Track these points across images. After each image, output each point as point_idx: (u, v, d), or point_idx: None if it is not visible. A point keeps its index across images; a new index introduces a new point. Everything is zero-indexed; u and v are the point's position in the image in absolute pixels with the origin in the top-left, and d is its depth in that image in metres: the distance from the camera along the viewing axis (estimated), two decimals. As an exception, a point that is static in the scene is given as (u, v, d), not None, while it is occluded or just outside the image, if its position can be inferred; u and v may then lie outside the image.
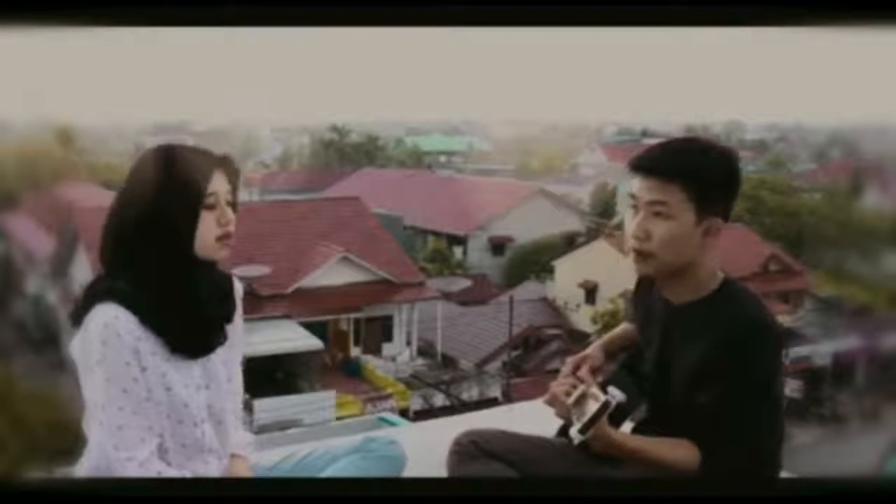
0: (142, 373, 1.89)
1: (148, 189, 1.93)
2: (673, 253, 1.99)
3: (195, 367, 1.99)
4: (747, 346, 1.94)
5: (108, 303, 1.88)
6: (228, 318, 2.09)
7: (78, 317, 1.91)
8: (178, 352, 1.94)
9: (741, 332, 1.95)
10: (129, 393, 1.87)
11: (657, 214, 1.97)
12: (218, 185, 1.98)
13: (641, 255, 2.02)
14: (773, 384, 2.00)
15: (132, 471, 1.86)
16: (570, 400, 1.97)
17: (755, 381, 1.95)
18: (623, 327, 2.39)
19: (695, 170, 1.96)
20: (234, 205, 2.02)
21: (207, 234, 1.96)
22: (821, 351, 25.03)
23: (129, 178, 1.98)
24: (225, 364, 2.08)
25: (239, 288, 2.15)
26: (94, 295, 1.91)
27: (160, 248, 1.93)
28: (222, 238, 1.99)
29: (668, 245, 1.98)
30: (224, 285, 2.09)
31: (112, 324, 1.86)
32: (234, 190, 2.02)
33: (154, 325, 1.90)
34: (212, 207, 1.96)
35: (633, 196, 2.01)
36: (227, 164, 2.01)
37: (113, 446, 1.86)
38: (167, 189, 1.92)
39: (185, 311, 1.95)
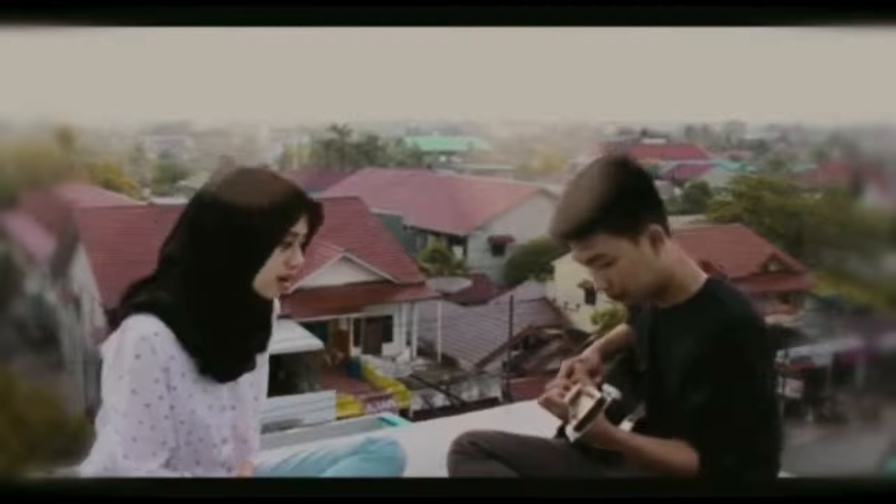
0: (168, 391, 1.88)
1: (235, 206, 1.90)
2: (640, 281, 2.00)
3: (222, 389, 1.99)
4: (733, 344, 1.94)
5: (149, 315, 1.87)
6: (263, 349, 2.07)
7: (117, 319, 1.90)
8: (206, 374, 1.94)
9: (726, 329, 1.94)
10: (151, 408, 1.86)
11: (603, 265, 1.99)
12: (301, 227, 1.96)
13: (618, 298, 2.06)
14: (763, 381, 1.99)
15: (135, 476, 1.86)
16: (566, 399, 1.97)
17: (744, 378, 1.94)
18: (620, 328, 2.39)
19: (602, 211, 1.94)
20: (303, 250, 2.00)
21: (272, 272, 1.94)
22: (821, 351, 25.04)
23: (220, 187, 1.94)
24: (252, 385, 2.07)
25: (277, 307, 2.12)
26: (137, 303, 1.90)
27: (223, 266, 1.91)
28: (283, 279, 1.97)
29: (630, 280, 1.99)
30: (266, 314, 2.06)
31: (149, 339, 1.85)
32: (310, 237, 2.00)
33: (188, 345, 1.89)
34: (288, 246, 1.94)
35: (576, 260, 2.04)
36: (315, 212, 1.99)
37: (123, 455, 1.86)
38: (258, 212, 1.89)
39: (223, 338, 1.94)
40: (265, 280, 1.95)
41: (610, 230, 1.95)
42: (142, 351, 1.84)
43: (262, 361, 2.10)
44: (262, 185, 1.94)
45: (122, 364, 1.86)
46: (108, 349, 1.90)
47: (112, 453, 1.87)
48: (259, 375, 2.10)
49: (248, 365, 2.03)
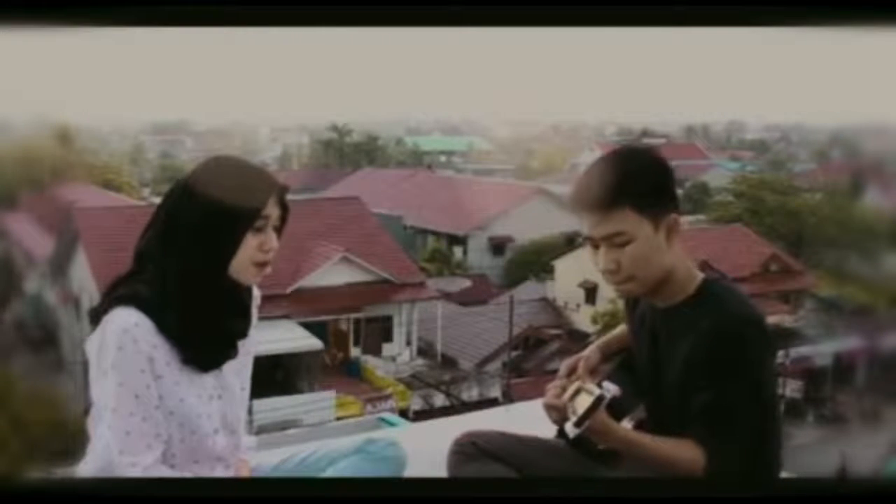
0: (155, 381, 1.88)
1: (204, 194, 1.91)
2: (648, 269, 1.98)
3: (207, 378, 1.98)
4: (732, 343, 1.93)
5: (128, 307, 1.87)
6: (243, 335, 2.06)
7: (97, 316, 1.90)
8: (189, 364, 1.94)
9: (726, 327, 1.94)
10: (140, 399, 1.86)
11: (618, 245, 1.96)
12: (272, 209, 1.96)
13: (620, 284, 2.02)
14: (763, 380, 1.98)
15: (135, 476, 1.86)
16: (565, 396, 1.96)
17: (743, 378, 1.93)
18: (621, 329, 2.39)
19: (633, 185, 1.94)
20: (279, 234, 2.00)
21: (247, 257, 1.94)
22: (821, 351, 25.03)
23: (187, 180, 1.95)
24: (238, 374, 2.07)
25: (257, 297, 2.12)
26: (116, 297, 1.90)
27: (196, 255, 1.91)
28: (260, 264, 1.96)
29: (640, 265, 1.97)
30: (245, 301, 2.06)
31: (130, 330, 1.85)
32: (283, 220, 2.01)
33: (170, 335, 1.89)
34: (259, 231, 1.94)
35: (588, 237, 2.00)
36: (282, 194, 1.99)
37: (119, 451, 1.86)
38: (223, 198, 1.90)
39: (203, 326, 1.94)
40: (241, 265, 1.94)
41: (636, 206, 1.93)
42: (124, 343, 1.84)
43: (247, 351, 2.09)
44: (229, 172, 1.95)
45: (106, 359, 1.86)
46: (91, 347, 1.90)
47: (107, 451, 1.86)
48: (244, 365, 2.10)
49: (231, 352, 2.02)
